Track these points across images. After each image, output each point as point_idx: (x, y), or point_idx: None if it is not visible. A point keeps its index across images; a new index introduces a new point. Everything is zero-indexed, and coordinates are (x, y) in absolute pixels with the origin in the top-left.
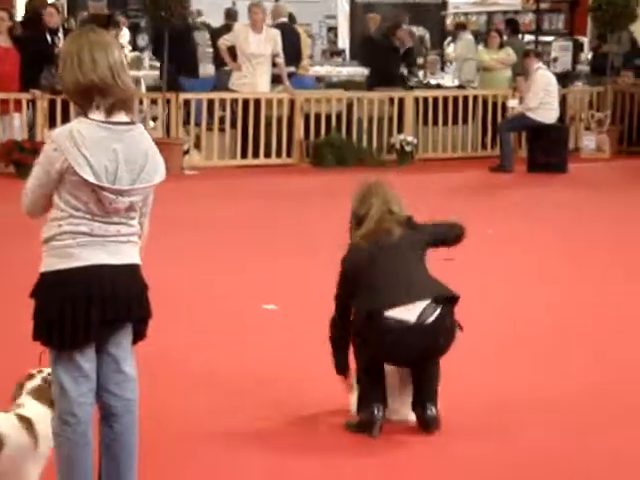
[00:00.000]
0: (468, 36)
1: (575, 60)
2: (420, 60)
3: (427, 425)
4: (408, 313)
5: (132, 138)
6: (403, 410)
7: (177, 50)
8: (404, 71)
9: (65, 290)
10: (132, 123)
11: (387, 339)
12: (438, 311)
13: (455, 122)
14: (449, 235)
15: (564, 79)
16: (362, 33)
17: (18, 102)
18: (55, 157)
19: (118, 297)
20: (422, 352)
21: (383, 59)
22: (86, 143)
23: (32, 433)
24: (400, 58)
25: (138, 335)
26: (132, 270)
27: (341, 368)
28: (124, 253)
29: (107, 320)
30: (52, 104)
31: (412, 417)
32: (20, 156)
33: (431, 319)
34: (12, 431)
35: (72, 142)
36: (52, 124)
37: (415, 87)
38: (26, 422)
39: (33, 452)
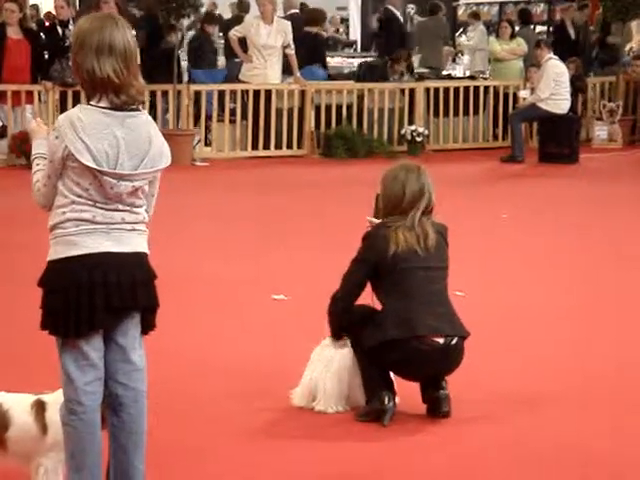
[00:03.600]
0: (481, 26)
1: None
2: None
3: (440, 403)
4: (437, 337)
5: (135, 124)
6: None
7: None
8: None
9: (68, 278)
10: (136, 109)
11: (414, 359)
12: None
13: (466, 113)
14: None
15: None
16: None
17: (29, 94)
18: (57, 145)
19: (122, 285)
20: (443, 370)
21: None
22: (86, 129)
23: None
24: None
25: (147, 325)
26: (137, 258)
27: (338, 337)
28: (129, 241)
29: (112, 308)
30: (63, 96)
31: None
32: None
33: (455, 340)
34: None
35: (72, 128)
36: None
37: (426, 77)
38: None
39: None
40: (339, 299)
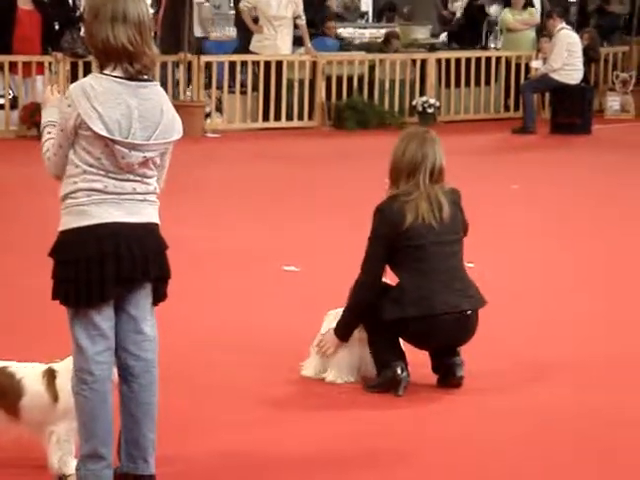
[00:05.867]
0: None
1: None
2: None
3: (455, 368)
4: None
5: (147, 94)
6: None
7: None
8: None
9: (79, 249)
10: (148, 80)
11: (431, 331)
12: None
13: (478, 84)
14: (466, 230)
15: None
16: None
17: (40, 65)
18: (69, 113)
19: (133, 255)
20: (459, 340)
21: None
22: (99, 97)
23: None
24: None
25: (158, 296)
26: (149, 229)
27: (347, 337)
28: (140, 212)
29: (122, 278)
30: (74, 67)
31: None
32: None
33: (470, 312)
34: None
35: (85, 97)
36: None
37: (438, 49)
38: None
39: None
40: (365, 285)
